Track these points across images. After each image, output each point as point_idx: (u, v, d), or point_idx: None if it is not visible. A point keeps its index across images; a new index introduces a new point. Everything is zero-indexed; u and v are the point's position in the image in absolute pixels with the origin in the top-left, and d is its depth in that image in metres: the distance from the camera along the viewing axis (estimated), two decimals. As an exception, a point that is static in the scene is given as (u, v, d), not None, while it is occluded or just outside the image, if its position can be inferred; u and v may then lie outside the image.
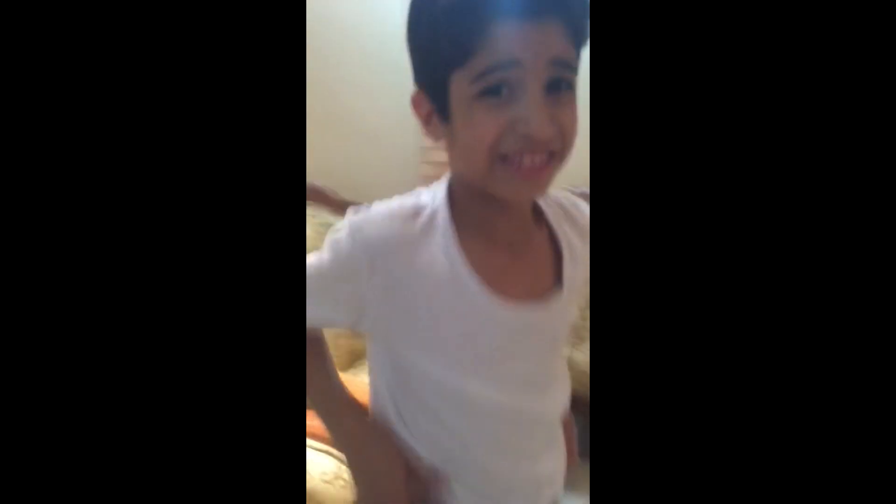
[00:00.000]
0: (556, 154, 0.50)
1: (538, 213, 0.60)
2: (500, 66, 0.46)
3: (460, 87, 0.48)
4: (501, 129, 0.47)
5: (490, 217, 0.55)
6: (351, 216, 0.55)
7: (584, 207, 0.64)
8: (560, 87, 0.48)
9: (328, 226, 1.85)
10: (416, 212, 0.54)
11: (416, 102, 0.54)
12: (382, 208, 0.55)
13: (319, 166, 1.53)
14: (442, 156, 0.57)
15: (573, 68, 0.48)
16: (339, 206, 1.95)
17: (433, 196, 0.56)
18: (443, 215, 0.54)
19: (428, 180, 0.60)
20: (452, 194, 0.56)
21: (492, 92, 0.47)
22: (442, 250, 0.53)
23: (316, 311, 0.52)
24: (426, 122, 0.53)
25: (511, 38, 0.45)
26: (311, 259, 0.56)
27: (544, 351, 0.60)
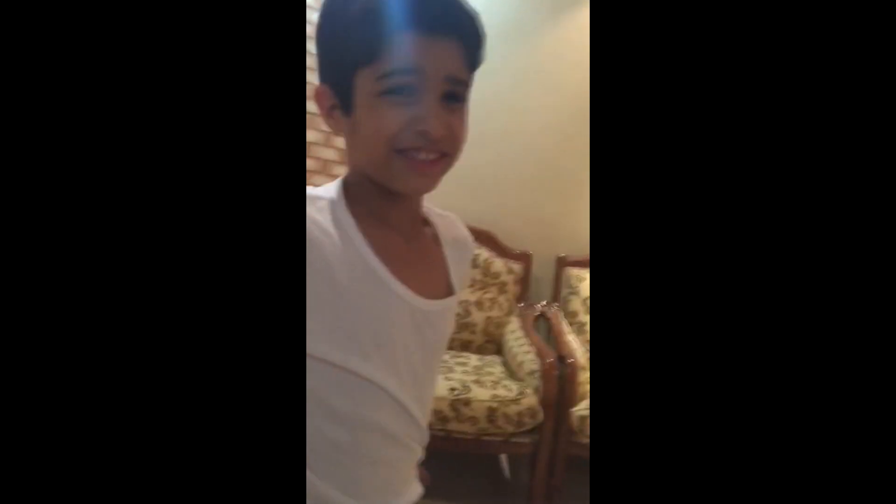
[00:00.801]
0: (446, 154, 0.55)
1: (426, 222, 0.66)
2: (404, 70, 0.51)
3: (365, 84, 0.52)
4: (401, 124, 0.52)
5: (385, 206, 0.59)
6: None
7: (460, 225, 0.71)
8: (454, 98, 0.54)
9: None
10: (313, 200, 0.56)
11: (318, 95, 0.57)
12: None
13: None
14: (325, 152, 0.59)
15: (466, 85, 0.55)
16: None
17: (327, 189, 0.59)
18: (340, 204, 0.57)
19: (311, 175, 0.61)
20: (347, 187, 0.59)
21: (394, 91, 0.52)
22: (343, 236, 0.55)
23: None
24: (328, 115, 0.57)
25: (414, 48, 0.51)
26: None
27: (434, 349, 0.63)
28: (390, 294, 0.57)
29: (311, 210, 0.54)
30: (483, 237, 2.34)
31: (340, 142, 0.71)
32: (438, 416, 1.73)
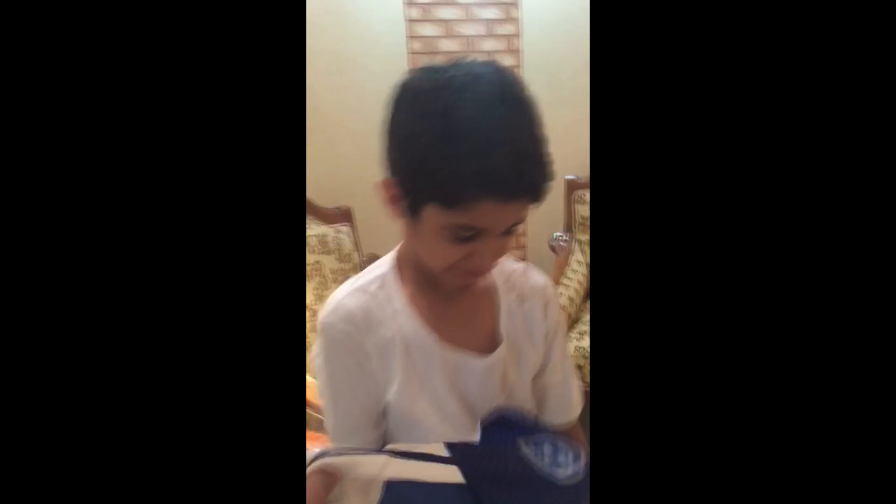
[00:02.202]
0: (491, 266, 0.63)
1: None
2: (475, 227, 0.55)
3: (438, 216, 0.55)
4: (460, 258, 0.59)
5: (432, 280, 0.67)
6: (320, 318, 0.66)
7: (533, 275, 0.76)
8: (509, 233, 0.59)
9: (318, 236, 1.90)
10: (371, 282, 0.68)
11: (386, 186, 0.60)
12: (346, 287, 0.68)
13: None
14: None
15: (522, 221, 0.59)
16: (324, 216, 1.98)
17: (381, 264, 0.70)
18: (391, 280, 0.68)
19: None
20: (399, 260, 0.69)
21: (460, 237, 0.56)
22: (396, 309, 0.66)
23: (351, 396, 0.66)
24: (391, 201, 0.60)
25: (491, 212, 0.54)
26: (318, 373, 0.67)
27: (477, 398, 0.69)
28: (435, 353, 0.66)
29: (371, 290, 0.66)
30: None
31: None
32: None
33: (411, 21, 2.21)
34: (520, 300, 0.73)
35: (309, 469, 0.61)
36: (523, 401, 0.73)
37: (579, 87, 2.30)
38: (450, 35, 2.25)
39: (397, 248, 0.71)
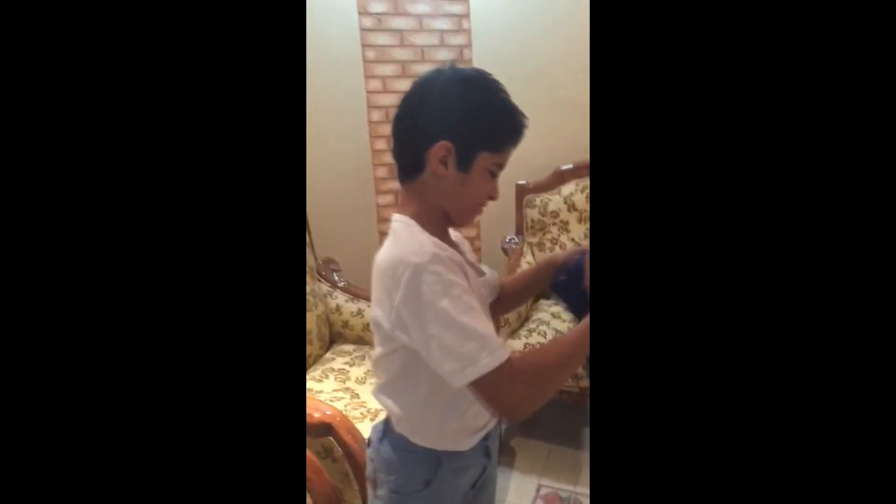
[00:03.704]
0: None
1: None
2: (503, 165, 0.79)
3: (485, 161, 0.76)
4: (493, 192, 0.80)
5: (442, 231, 0.83)
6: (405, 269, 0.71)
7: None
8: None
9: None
10: (411, 229, 0.78)
11: (441, 149, 0.75)
12: (398, 239, 0.77)
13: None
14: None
15: None
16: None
17: (405, 221, 0.78)
18: (419, 230, 0.77)
19: (382, 209, 0.83)
20: (417, 217, 0.79)
21: (494, 173, 0.79)
22: (437, 242, 0.77)
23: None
24: (440, 162, 0.75)
25: (510, 154, 0.79)
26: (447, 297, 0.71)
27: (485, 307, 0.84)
28: (469, 272, 0.79)
29: (417, 232, 0.77)
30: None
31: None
32: None
33: (365, 30, 2.25)
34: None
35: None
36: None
37: (528, 95, 2.39)
38: (403, 45, 2.31)
39: (402, 214, 0.79)
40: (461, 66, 0.79)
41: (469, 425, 0.81)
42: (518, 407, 0.68)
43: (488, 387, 0.66)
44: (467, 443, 0.82)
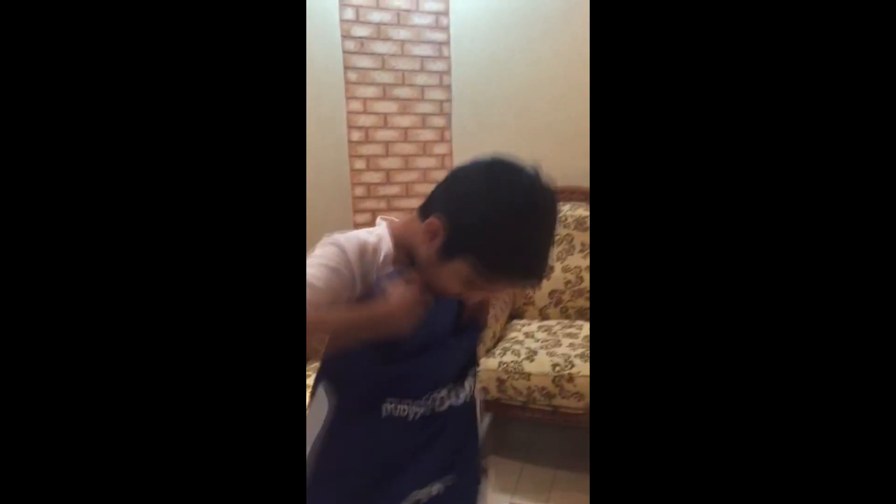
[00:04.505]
0: None
1: None
2: (487, 292, 0.77)
3: (464, 268, 0.71)
4: (460, 293, 0.75)
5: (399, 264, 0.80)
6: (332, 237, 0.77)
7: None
8: None
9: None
10: (378, 238, 0.78)
11: (435, 227, 0.72)
12: (355, 232, 0.78)
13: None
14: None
15: None
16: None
17: (381, 235, 0.79)
18: (386, 247, 0.78)
19: (359, 227, 0.85)
20: (396, 241, 0.78)
21: (470, 288, 0.73)
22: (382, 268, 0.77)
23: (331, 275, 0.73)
24: (430, 240, 0.73)
25: (505, 290, 0.76)
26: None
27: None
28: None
29: (374, 241, 0.76)
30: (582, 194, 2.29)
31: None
32: (542, 392, 1.77)
33: (348, 53, 2.30)
34: None
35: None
36: None
37: (505, 122, 2.47)
38: (384, 68, 2.36)
39: (389, 226, 0.80)
40: (545, 181, 0.70)
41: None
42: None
43: None
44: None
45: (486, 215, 0.68)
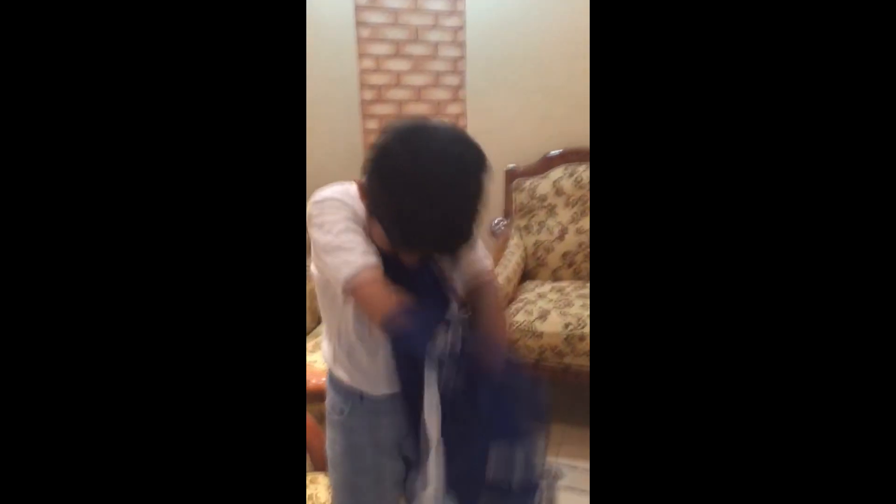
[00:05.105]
0: None
1: None
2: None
3: (383, 231, 0.73)
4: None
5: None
6: (313, 202, 0.79)
7: None
8: None
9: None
10: (347, 190, 0.80)
11: (362, 190, 0.75)
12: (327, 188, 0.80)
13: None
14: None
15: None
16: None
17: (347, 188, 0.80)
18: (356, 199, 0.79)
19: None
20: (361, 193, 0.79)
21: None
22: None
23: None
24: (362, 199, 0.76)
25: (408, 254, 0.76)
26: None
27: None
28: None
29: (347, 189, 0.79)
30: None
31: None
32: (554, 350, 1.82)
33: (359, 8, 2.25)
34: None
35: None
36: None
37: (518, 80, 2.41)
38: (397, 24, 2.31)
39: (358, 184, 0.80)
40: (461, 149, 0.69)
41: (381, 370, 0.87)
42: (372, 316, 0.76)
43: (352, 293, 0.74)
44: (378, 388, 0.89)
45: (385, 182, 0.69)
